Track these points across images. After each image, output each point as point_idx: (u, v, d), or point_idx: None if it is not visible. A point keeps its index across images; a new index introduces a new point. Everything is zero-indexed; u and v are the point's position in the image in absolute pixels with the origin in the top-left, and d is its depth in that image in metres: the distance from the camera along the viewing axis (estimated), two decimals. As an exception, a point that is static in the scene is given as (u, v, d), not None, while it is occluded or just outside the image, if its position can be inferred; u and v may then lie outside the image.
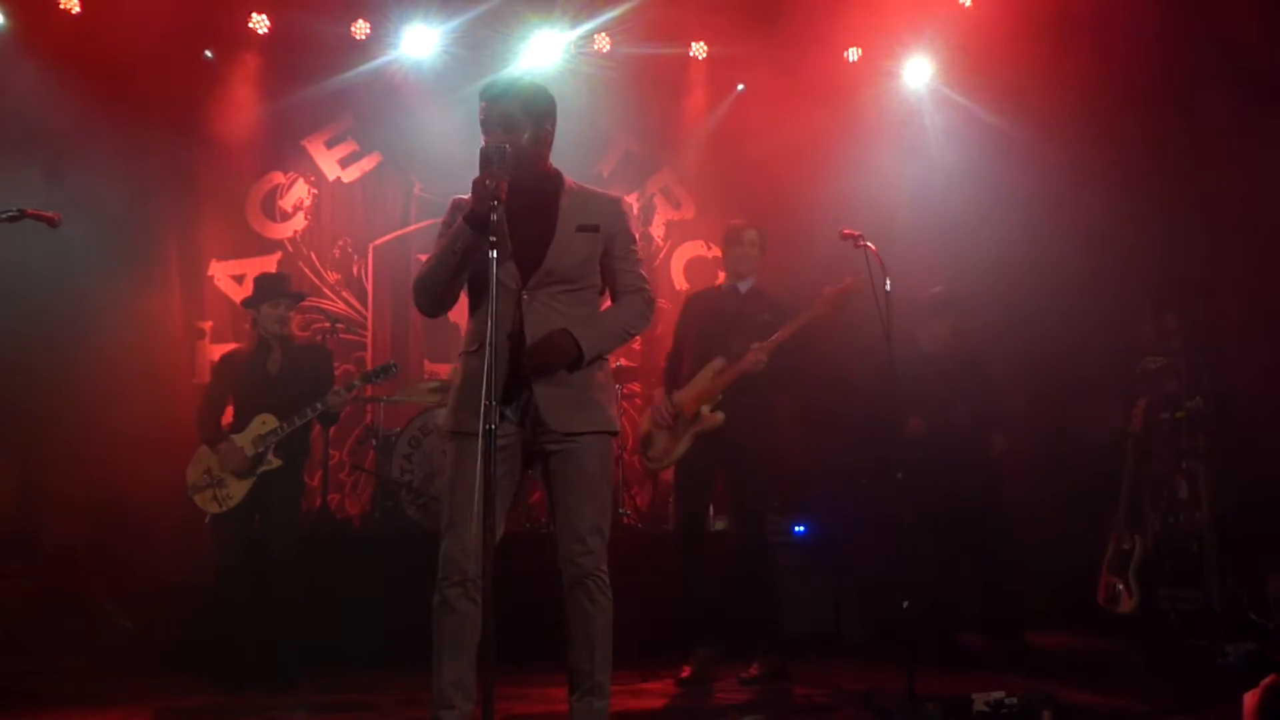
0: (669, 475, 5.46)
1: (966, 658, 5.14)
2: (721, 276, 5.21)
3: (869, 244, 4.07)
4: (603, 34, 7.43)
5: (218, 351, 6.73)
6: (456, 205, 3.08)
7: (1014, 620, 5.27)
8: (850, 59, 7.64)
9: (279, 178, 7.72)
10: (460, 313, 3.28)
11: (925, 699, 3.81)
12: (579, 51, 7.52)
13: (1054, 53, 6.38)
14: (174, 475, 5.13)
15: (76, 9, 6.81)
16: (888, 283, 4.02)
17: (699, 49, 7.68)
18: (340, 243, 7.75)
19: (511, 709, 4.11)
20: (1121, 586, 5.43)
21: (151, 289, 7.14)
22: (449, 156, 6.76)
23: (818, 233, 6.00)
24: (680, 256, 8.14)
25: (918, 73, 7.58)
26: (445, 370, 7.32)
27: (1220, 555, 5.51)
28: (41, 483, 6.57)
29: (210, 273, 7.50)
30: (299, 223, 7.71)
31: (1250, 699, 3.20)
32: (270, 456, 4.94)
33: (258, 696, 4.50)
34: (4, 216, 3.17)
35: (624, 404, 7.17)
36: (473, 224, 2.88)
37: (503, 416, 2.91)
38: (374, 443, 6.51)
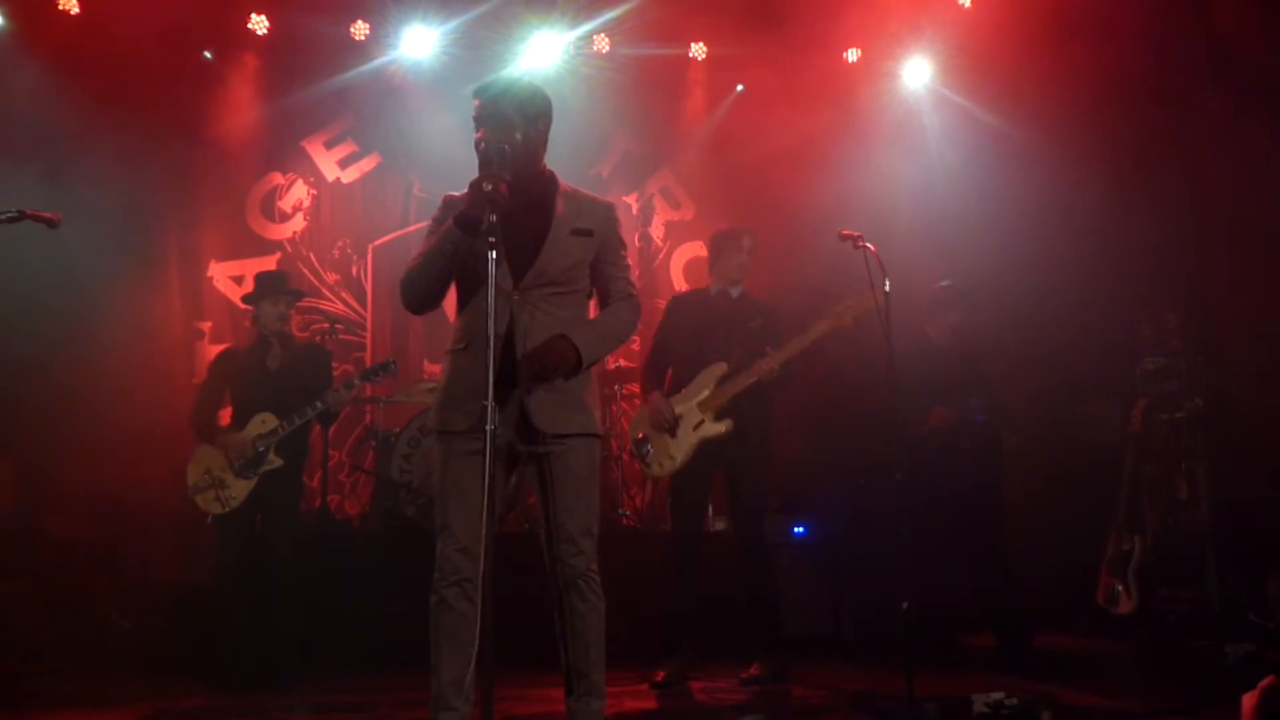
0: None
1: (966, 658, 5.13)
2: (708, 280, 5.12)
3: (868, 244, 4.07)
4: (602, 35, 7.44)
5: (216, 352, 6.72)
6: (449, 203, 3.07)
7: (1016, 621, 5.26)
8: (849, 60, 7.65)
9: (278, 178, 7.72)
10: (461, 313, 3.28)
11: (924, 699, 3.80)
12: (578, 52, 7.53)
13: (1053, 53, 6.38)
14: (173, 475, 5.13)
15: (76, 10, 6.82)
16: (887, 283, 4.02)
17: (698, 50, 7.69)
18: (339, 243, 7.76)
19: (511, 710, 4.11)
20: (1121, 587, 5.43)
21: (151, 290, 7.16)
22: (448, 157, 6.77)
23: (817, 233, 6.00)
24: (680, 257, 8.15)
25: (917, 73, 7.59)
26: (445, 371, 7.31)
27: (1219, 556, 5.51)
28: (41, 483, 6.57)
29: (210, 273, 7.50)
30: (298, 223, 7.71)
31: (1248, 700, 3.20)
32: (272, 456, 4.94)
33: (257, 697, 4.50)
34: (4, 217, 3.16)
35: (624, 404, 7.17)
36: (463, 226, 2.87)
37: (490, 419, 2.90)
38: (373, 443, 6.51)
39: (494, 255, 2.70)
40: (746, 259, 4.95)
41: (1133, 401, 5.67)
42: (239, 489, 4.91)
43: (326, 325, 6.48)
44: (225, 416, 5.16)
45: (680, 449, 4.74)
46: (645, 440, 4.85)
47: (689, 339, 4.88)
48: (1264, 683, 3.20)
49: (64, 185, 6.39)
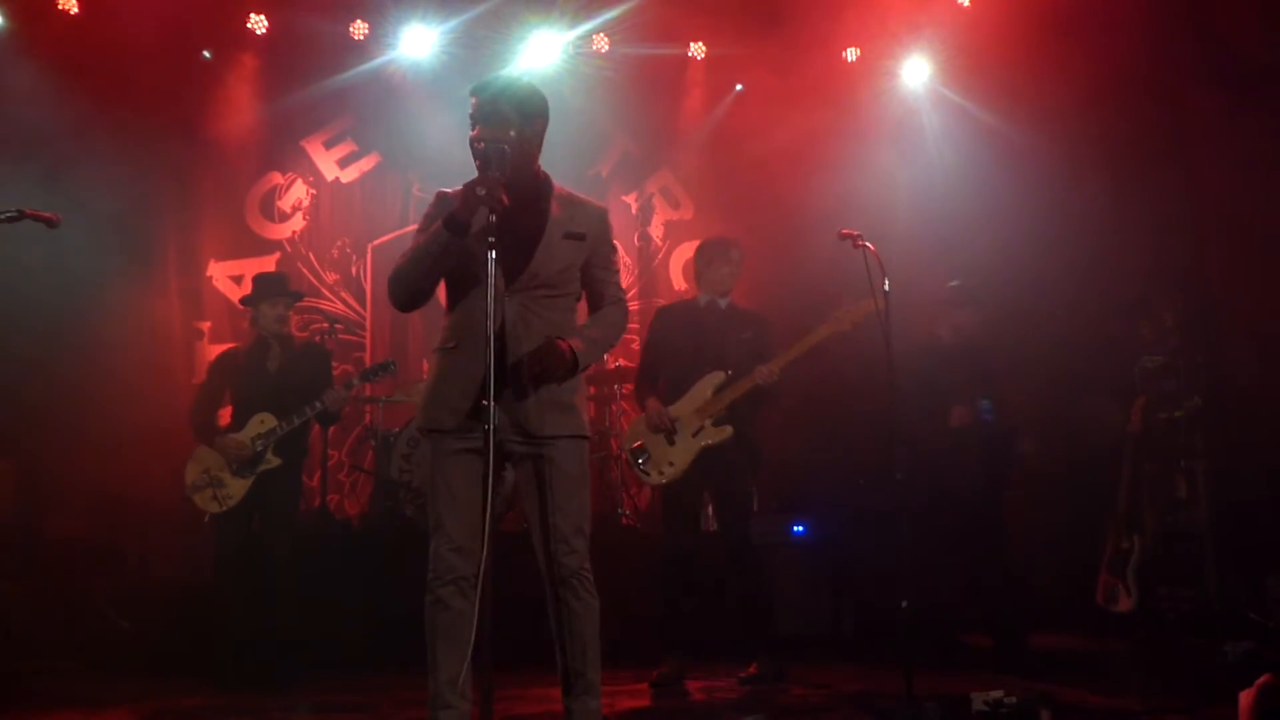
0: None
1: (965, 658, 5.13)
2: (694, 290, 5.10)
3: (867, 244, 4.07)
4: (601, 34, 7.45)
5: (216, 352, 6.72)
6: (442, 199, 3.06)
7: (1013, 620, 5.26)
8: (849, 59, 7.65)
9: (277, 178, 7.72)
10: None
11: (924, 699, 3.81)
12: (577, 52, 7.53)
13: (1051, 52, 6.38)
14: (173, 475, 5.13)
15: (75, 9, 6.82)
16: (886, 283, 4.02)
17: (697, 49, 7.69)
18: (339, 243, 7.76)
19: (510, 709, 4.12)
20: (1120, 586, 5.43)
21: (150, 289, 7.16)
22: (448, 156, 6.76)
23: (816, 232, 6.00)
24: (679, 257, 8.14)
25: (916, 73, 7.59)
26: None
27: (1219, 555, 5.51)
28: (41, 482, 6.57)
29: (209, 273, 7.51)
30: (297, 223, 7.71)
31: (1245, 698, 3.20)
32: (269, 456, 4.94)
33: (256, 696, 4.49)
34: (3, 217, 3.16)
35: (624, 404, 7.17)
36: (451, 228, 2.88)
37: (480, 419, 2.90)
38: (373, 443, 6.51)
39: (493, 255, 2.71)
40: (735, 270, 4.93)
41: (1131, 400, 5.67)
42: (236, 488, 4.91)
43: (326, 325, 6.49)
44: (225, 417, 5.16)
45: (680, 456, 4.70)
46: (642, 449, 4.79)
47: (681, 351, 4.84)
48: (1261, 680, 3.20)
49: (63, 185, 6.40)
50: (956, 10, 7.23)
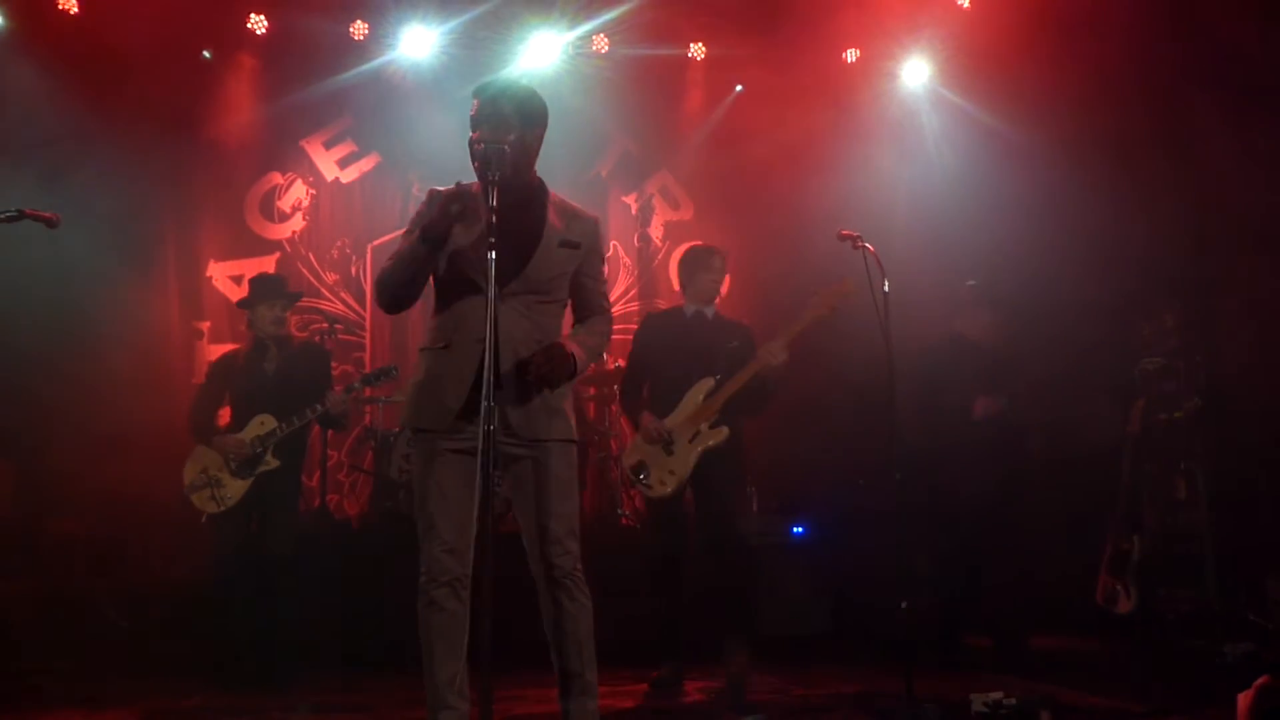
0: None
1: (965, 658, 5.13)
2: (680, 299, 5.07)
3: (867, 244, 4.07)
4: (601, 35, 7.44)
5: (216, 352, 6.73)
6: (433, 198, 3.06)
7: (1016, 621, 5.26)
8: (848, 60, 7.66)
9: (277, 178, 7.72)
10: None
11: (924, 700, 3.81)
12: (577, 52, 7.53)
13: (1051, 54, 6.39)
14: (172, 475, 5.12)
15: (75, 9, 6.81)
16: (885, 283, 4.02)
17: (697, 50, 7.69)
18: (339, 243, 7.76)
19: (510, 709, 4.12)
20: (1120, 587, 5.43)
21: (150, 289, 7.16)
22: (447, 157, 6.71)
23: (816, 233, 5.99)
24: (679, 258, 8.13)
25: (916, 73, 7.59)
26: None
27: (1218, 556, 5.51)
28: (40, 482, 6.57)
29: (209, 273, 7.51)
30: (297, 223, 7.72)
31: (1243, 699, 3.20)
32: (269, 457, 4.94)
33: (255, 697, 4.50)
34: (3, 217, 3.16)
35: (623, 404, 7.16)
36: (427, 240, 2.92)
37: (470, 420, 2.90)
38: (372, 443, 6.51)
39: (493, 256, 2.71)
40: (718, 278, 4.93)
41: (1131, 401, 5.67)
42: (234, 489, 4.91)
43: (325, 325, 6.48)
44: (225, 419, 5.16)
45: (680, 465, 4.67)
46: (641, 465, 4.74)
47: (669, 362, 4.81)
48: (1259, 681, 3.20)
49: (63, 185, 6.41)
50: (956, 11, 7.23)
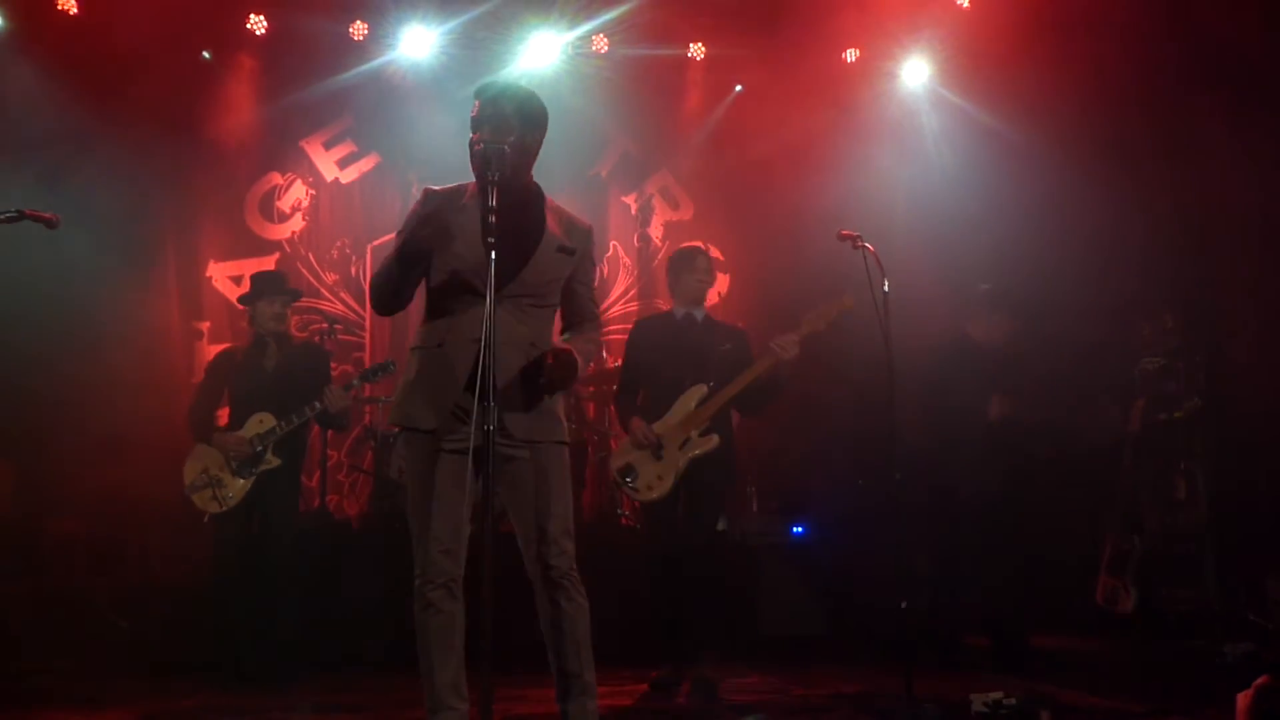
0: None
1: (965, 658, 5.14)
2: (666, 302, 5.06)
3: (867, 244, 4.07)
4: (601, 35, 7.44)
5: (215, 352, 6.73)
6: (428, 196, 3.06)
7: (1016, 621, 5.26)
8: (848, 60, 7.65)
9: (277, 178, 7.72)
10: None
11: (924, 700, 3.81)
12: (577, 53, 7.53)
13: (1051, 54, 6.39)
14: (172, 475, 5.13)
15: (74, 10, 6.81)
16: (885, 283, 4.02)
17: (697, 50, 7.68)
18: (338, 243, 7.76)
19: (510, 710, 4.12)
20: (1120, 587, 5.43)
21: (150, 290, 7.16)
22: (447, 157, 6.73)
23: (816, 233, 6.00)
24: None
25: (915, 74, 7.59)
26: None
27: (1218, 555, 5.51)
28: (40, 483, 6.57)
29: (208, 273, 7.51)
30: (297, 223, 7.71)
31: (1242, 699, 3.20)
32: (269, 456, 4.94)
33: (255, 697, 4.49)
34: (3, 217, 3.16)
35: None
36: (403, 261, 2.97)
37: (464, 420, 2.90)
38: (372, 443, 6.51)
39: (493, 256, 2.71)
40: (704, 278, 4.89)
41: (1132, 401, 5.68)
42: (235, 488, 4.91)
43: (325, 325, 6.47)
44: (223, 417, 5.16)
45: (668, 471, 4.64)
46: (629, 468, 4.72)
47: (661, 365, 4.80)
48: (1258, 681, 3.20)
49: (63, 185, 6.41)
50: (956, 11, 7.23)
